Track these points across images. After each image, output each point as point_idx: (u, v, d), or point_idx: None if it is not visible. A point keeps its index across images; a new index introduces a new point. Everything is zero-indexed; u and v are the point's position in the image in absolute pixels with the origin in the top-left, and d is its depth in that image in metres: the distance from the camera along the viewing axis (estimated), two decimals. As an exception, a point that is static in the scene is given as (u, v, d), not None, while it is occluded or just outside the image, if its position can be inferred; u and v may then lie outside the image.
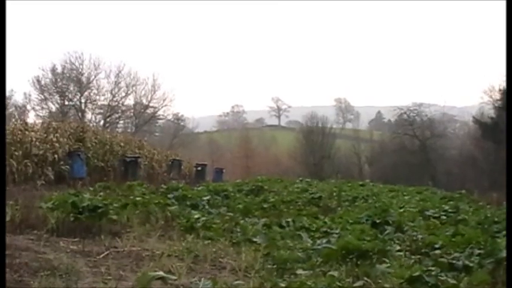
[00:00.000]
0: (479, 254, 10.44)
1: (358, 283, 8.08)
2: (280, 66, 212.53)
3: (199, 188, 23.33)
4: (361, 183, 40.89)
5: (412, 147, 70.35)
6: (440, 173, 60.17)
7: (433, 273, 8.30)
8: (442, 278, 8.18)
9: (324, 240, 11.47)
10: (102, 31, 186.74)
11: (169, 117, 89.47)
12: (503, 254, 10.71)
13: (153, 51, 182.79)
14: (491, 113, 62.73)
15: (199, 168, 48.27)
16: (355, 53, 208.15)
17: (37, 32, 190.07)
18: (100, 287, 7.40)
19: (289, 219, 15.38)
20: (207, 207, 16.93)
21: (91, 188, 21.08)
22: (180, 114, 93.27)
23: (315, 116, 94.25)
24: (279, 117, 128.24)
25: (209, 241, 11.68)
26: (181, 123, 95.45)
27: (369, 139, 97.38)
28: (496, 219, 18.80)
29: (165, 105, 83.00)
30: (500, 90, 62.94)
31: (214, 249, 10.86)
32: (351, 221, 15.42)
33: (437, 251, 11.06)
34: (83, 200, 13.07)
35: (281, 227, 14.01)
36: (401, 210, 19.58)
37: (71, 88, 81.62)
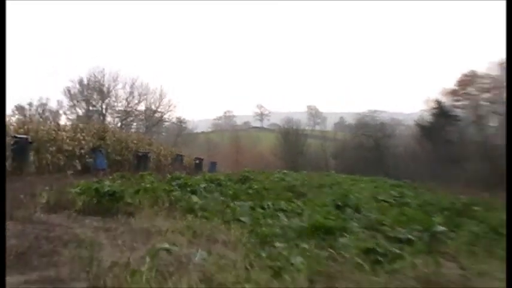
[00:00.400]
0: (418, 230, 10.55)
1: (324, 253, 8.16)
2: (264, 77, 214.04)
3: (198, 177, 23.30)
4: (327, 174, 40.93)
5: (368, 145, 70.65)
6: (390, 166, 60.47)
7: (382, 244, 8.39)
8: (390, 249, 8.25)
9: (297, 219, 11.56)
10: (118, 46, 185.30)
11: (174, 120, 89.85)
12: (437, 229, 10.86)
13: (159, 62, 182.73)
14: (429, 118, 63.31)
15: (197, 162, 48.41)
16: (324, 66, 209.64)
17: (67, 50, 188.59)
18: (117, 255, 7.43)
19: (269, 203, 15.38)
20: (203, 192, 16.90)
21: (110, 177, 21.07)
22: (182, 118, 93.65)
23: (291, 120, 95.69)
24: (261, 120, 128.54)
25: (205, 220, 11.71)
26: (183, 125, 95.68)
27: (333, 139, 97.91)
28: (430, 201, 19.01)
29: (170, 110, 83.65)
30: (435, 100, 63.38)
31: (209, 227, 10.88)
32: (318, 204, 15.47)
33: (387, 228, 11.12)
34: (103, 187, 13.27)
35: (263, 208, 14.02)
36: (359, 195, 19.64)
37: (95, 96, 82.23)
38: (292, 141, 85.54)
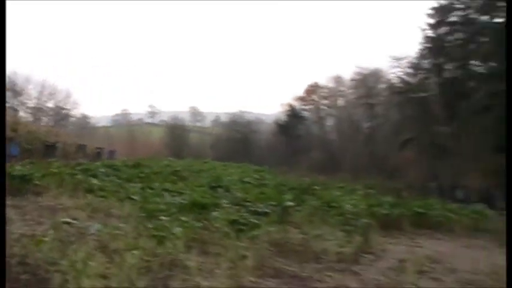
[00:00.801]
0: (273, 205, 10.97)
1: (200, 224, 8.35)
2: (154, 80, 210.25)
3: (98, 164, 22.63)
4: (205, 161, 41.02)
5: (238, 139, 71.48)
6: (254, 155, 61.65)
7: (245, 216, 8.70)
8: (250, 220, 8.58)
9: (179, 198, 11.65)
10: (30, 48, 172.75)
11: (78, 115, 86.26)
12: (287, 204, 11.37)
13: (66, 65, 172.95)
14: (284, 118, 65.33)
15: (98, 151, 46.77)
16: (204, 71, 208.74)
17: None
18: (25, 228, 7.25)
19: (157, 184, 15.36)
20: (102, 176, 16.53)
21: (21, 163, 19.98)
22: (86, 114, 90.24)
23: (176, 117, 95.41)
24: (153, 117, 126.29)
25: (103, 199, 11.54)
26: (87, 120, 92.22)
27: (211, 133, 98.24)
28: (283, 183, 19.71)
29: (75, 108, 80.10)
30: (289, 104, 65.54)
31: (106, 204, 10.76)
32: (197, 185, 15.62)
33: (249, 203, 11.40)
34: (14, 170, 12.89)
35: (151, 189, 13.96)
36: (229, 178, 19.98)
37: (9, 94, 77.06)
38: (177, 134, 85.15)
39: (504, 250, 11.37)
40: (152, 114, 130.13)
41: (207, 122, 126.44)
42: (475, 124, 27.43)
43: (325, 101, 64.36)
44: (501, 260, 9.21)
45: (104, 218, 9.02)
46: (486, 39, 31.53)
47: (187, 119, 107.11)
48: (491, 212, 17.45)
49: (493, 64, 29.43)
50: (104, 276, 5.04)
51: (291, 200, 12.06)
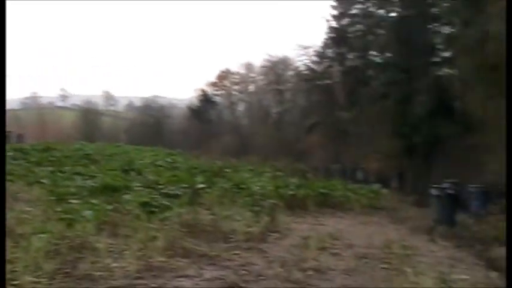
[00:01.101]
0: (184, 187, 10.93)
1: (111, 206, 8.16)
2: (67, 63, 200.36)
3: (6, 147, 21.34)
4: (117, 145, 39.83)
5: (151, 123, 70.08)
6: (168, 139, 60.81)
7: (156, 199, 8.60)
8: (162, 202, 8.51)
9: (91, 181, 11.29)
10: None
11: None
12: (198, 186, 11.38)
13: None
14: (197, 103, 64.88)
15: (6, 134, 44.13)
16: (118, 56, 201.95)
17: None
18: None
19: (68, 168, 14.77)
20: (10, 160, 15.62)
21: None
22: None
23: (89, 101, 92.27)
24: (64, 101, 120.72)
25: (11, 182, 10.90)
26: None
27: (124, 118, 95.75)
28: (195, 166, 19.61)
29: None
30: (201, 89, 65.23)
31: (13, 188, 10.19)
32: (108, 169, 15.18)
33: (161, 186, 11.25)
34: None
35: (62, 172, 13.41)
36: (142, 161, 19.58)
37: None
38: (90, 118, 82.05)
39: (397, 226, 12.18)
40: (63, 97, 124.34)
41: (120, 107, 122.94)
42: (373, 110, 28.76)
43: (237, 87, 64.74)
44: (393, 234, 9.84)
45: (11, 202, 8.54)
46: (383, 31, 33.08)
47: (100, 103, 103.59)
48: (386, 192, 18.50)
49: (389, 55, 30.93)
50: (9, 261, 4.79)
51: (202, 183, 12.07)
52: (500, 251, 7.92)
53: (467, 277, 6.50)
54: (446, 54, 26.11)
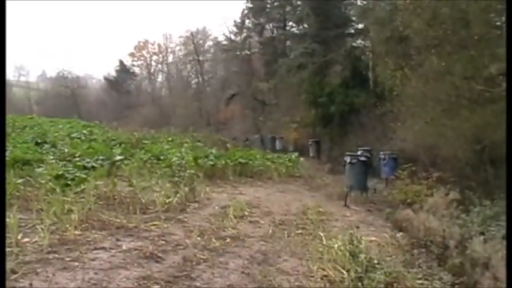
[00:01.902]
0: (102, 159, 10.62)
1: (22, 180, 7.78)
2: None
3: None
4: (30, 117, 37.74)
5: (66, 94, 66.71)
6: (85, 110, 58.39)
7: (71, 171, 8.29)
8: (77, 175, 8.20)
9: (-1, 155, 10.65)
10: None
11: None
12: (116, 158, 11.09)
13: None
14: (114, 74, 62.61)
15: None
16: (30, 22, 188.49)
17: None
18: None
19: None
20: None
21: None
22: None
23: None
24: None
25: None
26: None
27: (37, 89, 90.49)
28: (113, 137, 19.05)
29: None
30: (119, 60, 62.96)
31: None
32: (20, 141, 14.36)
33: (77, 158, 10.79)
34: None
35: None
36: (56, 134, 18.72)
37: None
38: (-4, 89, 77.01)
39: (313, 193, 12.61)
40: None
41: (32, 77, 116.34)
42: (291, 80, 29.17)
43: (155, 57, 63.13)
44: (309, 201, 10.19)
45: None
46: (299, 2, 33.42)
47: (10, 74, 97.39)
48: (304, 160, 19.03)
49: (306, 26, 31.34)
50: None
51: (120, 154, 11.77)
52: (406, 213, 8.44)
53: (375, 238, 6.89)
54: (361, 26, 26.86)
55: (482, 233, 6.56)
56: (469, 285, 4.97)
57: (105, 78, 64.68)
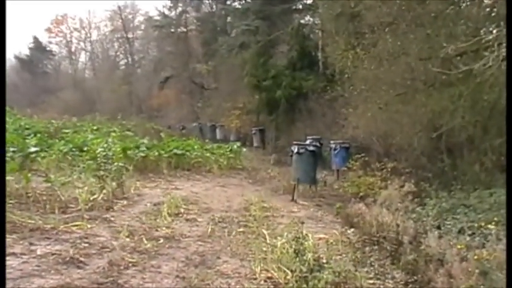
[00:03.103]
0: (12, 151, 10.19)
1: None
2: None
3: None
4: None
5: (-32, 75, 63.78)
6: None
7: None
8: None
9: None
10: None
11: None
12: (30, 149, 10.71)
13: None
14: (27, 52, 60.43)
15: None
16: None
17: None
18: None
19: None
20: None
21: None
22: None
23: None
24: None
25: None
26: None
27: None
28: (27, 126, 18.40)
29: None
30: (33, 36, 60.72)
31: None
32: None
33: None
34: None
35: None
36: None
37: None
38: None
39: (257, 187, 12.70)
40: None
41: None
42: (233, 62, 29.07)
43: (77, 34, 61.26)
44: (253, 196, 10.24)
45: None
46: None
47: None
48: (247, 151, 19.12)
49: (248, 0, 31.35)
50: None
51: (35, 145, 11.37)
52: (358, 207, 8.63)
53: (324, 235, 7.01)
54: (309, 0, 27.10)
55: (438, 227, 6.83)
56: (423, 284, 5.14)
57: (16, 57, 62.01)
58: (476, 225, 6.59)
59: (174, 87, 41.84)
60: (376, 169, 11.93)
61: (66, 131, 17.94)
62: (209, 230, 6.90)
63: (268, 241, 6.02)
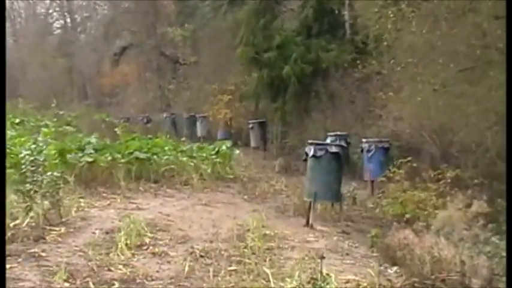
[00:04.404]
0: None
1: None
2: None
3: None
4: None
5: None
6: None
7: None
8: None
9: None
10: None
11: None
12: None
13: None
14: None
15: None
16: None
17: None
18: None
19: None
20: None
21: None
22: None
23: None
24: None
25: None
26: None
27: None
28: None
29: None
30: None
31: None
32: None
33: None
34: None
35: None
36: None
37: None
38: None
39: (255, 205, 12.67)
40: None
41: None
42: (220, 25, 29.07)
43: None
44: (249, 218, 10.20)
45: None
46: None
47: None
48: (239, 154, 19.06)
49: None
50: None
51: None
52: (403, 236, 8.57)
53: (354, 276, 6.96)
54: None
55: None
56: None
57: None
58: None
59: (134, 62, 41.82)
60: (429, 179, 11.85)
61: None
62: (186, 268, 6.86)
63: (272, 284, 5.98)
